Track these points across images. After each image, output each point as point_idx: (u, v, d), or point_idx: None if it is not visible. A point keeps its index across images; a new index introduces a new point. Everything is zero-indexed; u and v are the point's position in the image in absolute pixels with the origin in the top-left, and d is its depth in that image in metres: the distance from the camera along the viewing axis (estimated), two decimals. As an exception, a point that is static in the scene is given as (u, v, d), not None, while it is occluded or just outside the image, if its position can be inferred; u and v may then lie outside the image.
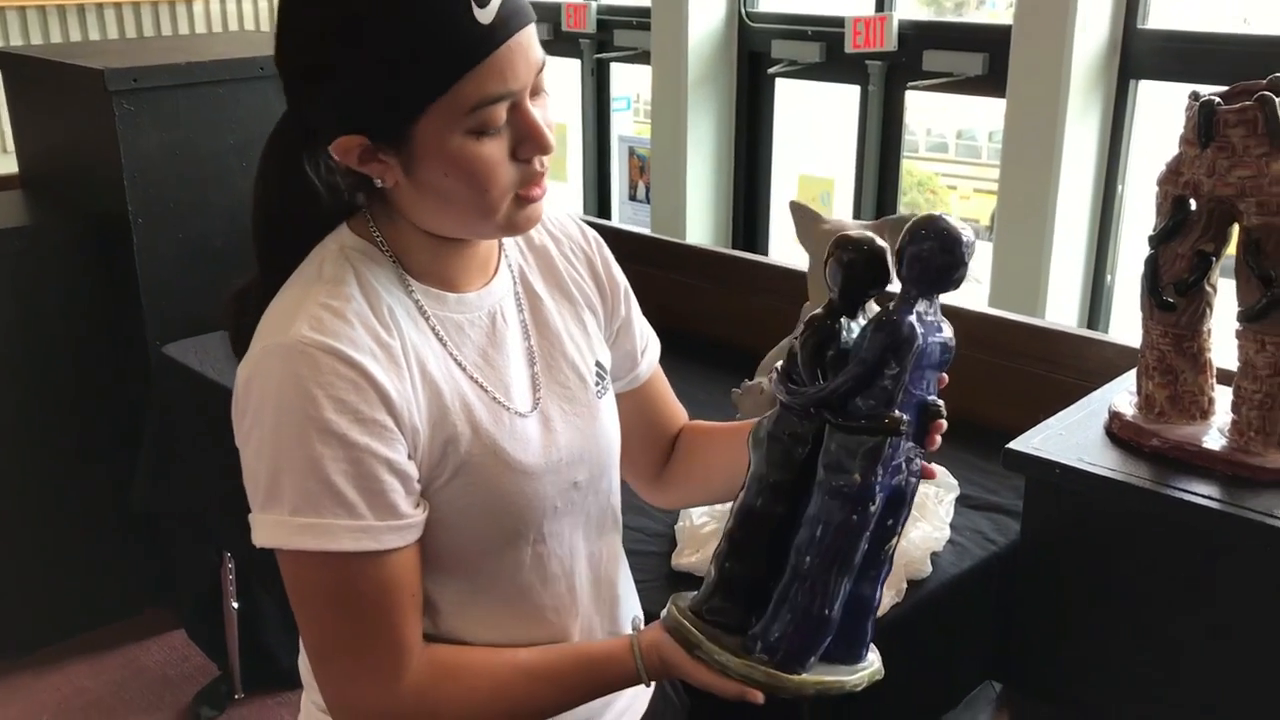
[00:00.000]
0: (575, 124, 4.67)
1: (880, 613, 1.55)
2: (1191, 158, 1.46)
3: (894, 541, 1.02)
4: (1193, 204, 1.48)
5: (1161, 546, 1.49)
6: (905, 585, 1.61)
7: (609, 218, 5.30)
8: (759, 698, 1.01)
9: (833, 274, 1.00)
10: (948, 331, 0.99)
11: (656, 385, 1.31)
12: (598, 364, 1.18)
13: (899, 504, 1.00)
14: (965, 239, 0.94)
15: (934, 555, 1.67)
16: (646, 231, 4.46)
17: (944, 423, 1.00)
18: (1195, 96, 1.45)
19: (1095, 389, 1.88)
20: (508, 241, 1.15)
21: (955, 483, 1.87)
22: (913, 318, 0.94)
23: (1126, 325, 3.49)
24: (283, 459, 0.95)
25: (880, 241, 0.99)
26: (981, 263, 3.56)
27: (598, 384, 1.17)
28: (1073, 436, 1.59)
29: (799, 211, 1.66)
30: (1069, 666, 1.61)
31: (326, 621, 1.00)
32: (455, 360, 1.05)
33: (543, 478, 1.09)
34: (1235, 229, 1.48)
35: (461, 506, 1.04)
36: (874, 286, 0.99)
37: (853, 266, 0.98)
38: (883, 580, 1.03)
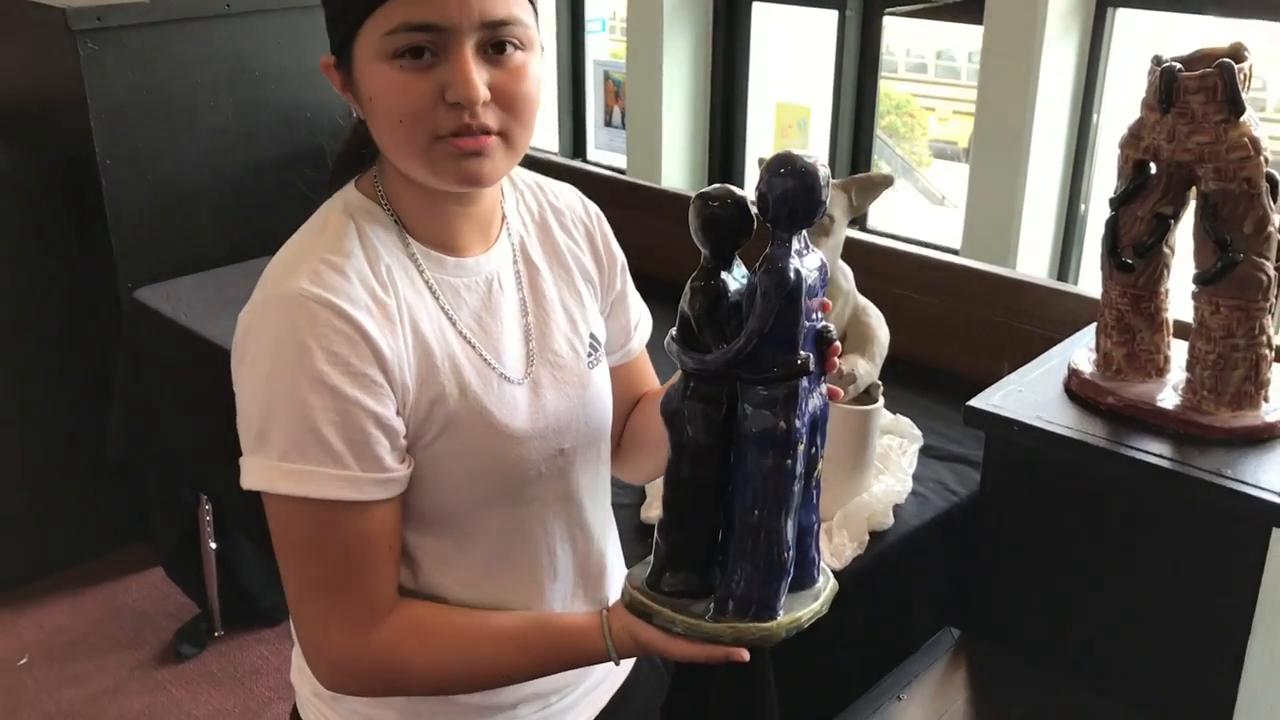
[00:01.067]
0: (550, 47, 4.63)
1: (842, 565, 1.61)
2: (1152, 122, 1.47)
3: (820, 465, 1.04)
4: (1153, 168, 1.50)
5: (1115, 501, 1.54)
6: (867, 537, 1.66)
7: (584, 143, 5.26)
8: (744, 655, 1.03)
9: (700, 231, 1.00)
10: (820, 257, 1.00)
11: (643, 361, 1.33)
12: (591, 336, 1.20)
13: (815, 431, 1.02)
14: (822, 173, 0.95)
15: (896, 507, 1.71)
16: (624, 175, 4.44)
17: (838, 344, 1.02)
18: (1157, 61, 1.46)
19: (1059, 338, 1.92)
20: (511, 212, 1.17)
21: (919, 434, 1.91)
22: (793, 260, 0.95)
23: (1099, 255, 3.52)
24: (275, 406, 0.98)
25: (738, 191, 1.00)
26: (958, 186, 3.58)
27: (590, 355, 1.19)
28: (1032, 393, 1.63)
29: (767, 170, 1.67)
30: (1025, 613, 1.66)
31: (305, 566, 1.03)
32: (449, 319, 1.07)
33: (528, 443, 1.11)
34: (1193, 193, 1.50)
35: (447, 465, 1.07)
36: (742, 236, 1.00)
37: (718, 220, 0.99)
38: (817, 502, 1.06)
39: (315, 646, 1.06)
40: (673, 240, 2.83)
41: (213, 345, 2.35)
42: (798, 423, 0.98)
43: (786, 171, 0.94)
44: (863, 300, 1.72)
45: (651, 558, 1.07)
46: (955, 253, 3.65)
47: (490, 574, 1.14)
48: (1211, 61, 1.43)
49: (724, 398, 1.01)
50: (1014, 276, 2.26)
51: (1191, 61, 1.46)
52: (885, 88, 4.27)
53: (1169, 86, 1.43)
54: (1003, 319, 2.18)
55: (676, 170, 4.47)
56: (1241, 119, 1.42)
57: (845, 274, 1.70)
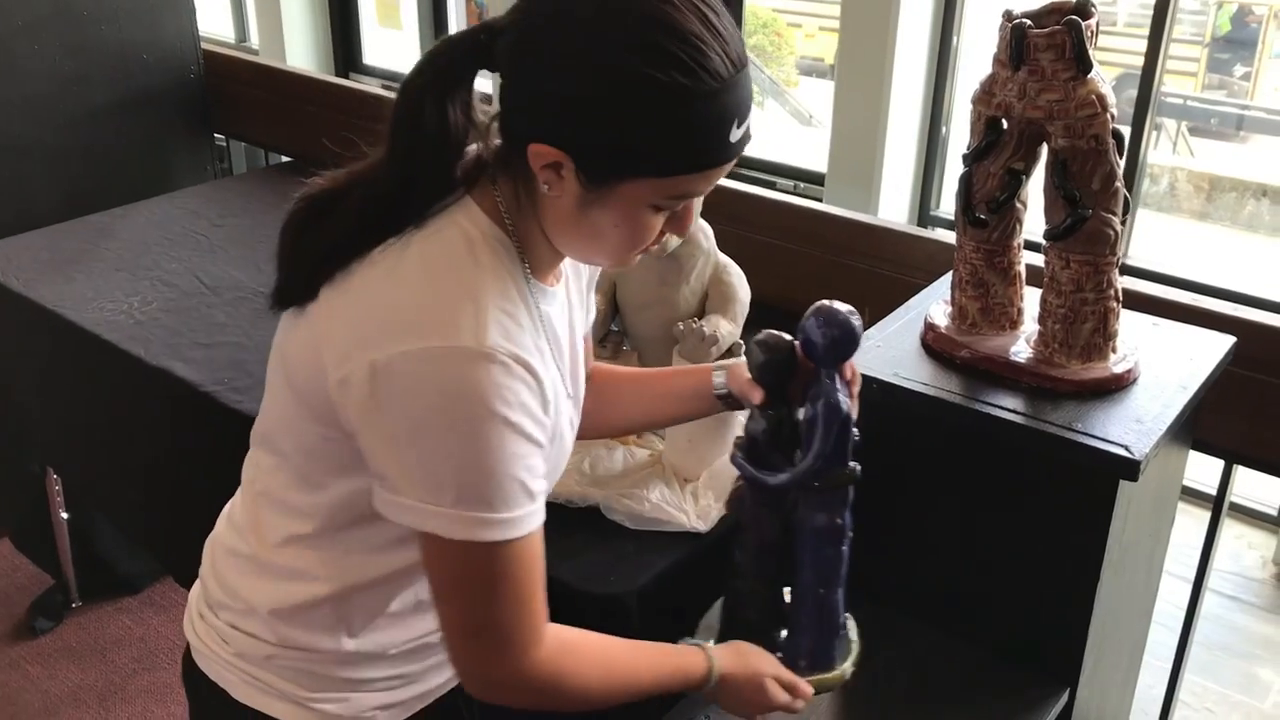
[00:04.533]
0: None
1: (709, 526, 1.61)
2: (1004, 79, 1.47)
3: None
4: (1005, 124, 1.50)
5: (971, 453, 1.56)
6: (733, 497, 1.66)
7: (447, 69, 5.13)
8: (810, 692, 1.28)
9: (761, 375, 1.25)
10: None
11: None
12: (585, 337, 1.31)
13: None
14: (858, 324, 1.22)
15: (760, 464, 1.72)
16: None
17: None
18: (1008, 17, 1.46)
19: (918, 282, 1.93)
20: None
21: (783, 386, 1.91)
22: (840, 393, 1.21)
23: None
24: (473, 460, 1.01)
25: (786, 338, 1.24)
26: (827, 105, 3.62)
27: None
28: (890, 348, 1.64)
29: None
30: (888, 562, 1.69)
31: (480, 602, 1.07)
32: (553, 354, 1.13)
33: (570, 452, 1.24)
34: (1044, 149, 1.51)
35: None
36: (791, 377, 1.25)
37: (775, 363, 1.24)
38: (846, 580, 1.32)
39: (482, 674, 1.12)
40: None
41: (47, 311, 2.23)
42: (848, 518, 1.25)
43: (831, 323, 1.20)
44: (724, 258, 1.70)
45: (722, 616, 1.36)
46: (822, 177, 3.68)
47: None
48: (1060, 17, 1.43)
49: (790, 502, 1.26)
50: (874, 223, 2.27)
51: (1040, 16, 1.46)
52: (751, 5, 4.23)
53: (1019, 44, 1.43)
54: (863, 265, 2.20)
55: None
56: (1089, 76, 1.42)
57: (705, 233, 1.68)
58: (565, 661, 1.13)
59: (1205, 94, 6.51)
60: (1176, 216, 6.14)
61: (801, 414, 1.23)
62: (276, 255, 1.11)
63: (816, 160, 3.74)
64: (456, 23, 5.09)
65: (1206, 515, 2.18)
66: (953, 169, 3.62)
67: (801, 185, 3.86)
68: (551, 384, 1.08)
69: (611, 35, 0.96)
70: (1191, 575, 2.16)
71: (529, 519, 1.06)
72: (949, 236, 2.20)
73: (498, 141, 1.07)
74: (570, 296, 1.22)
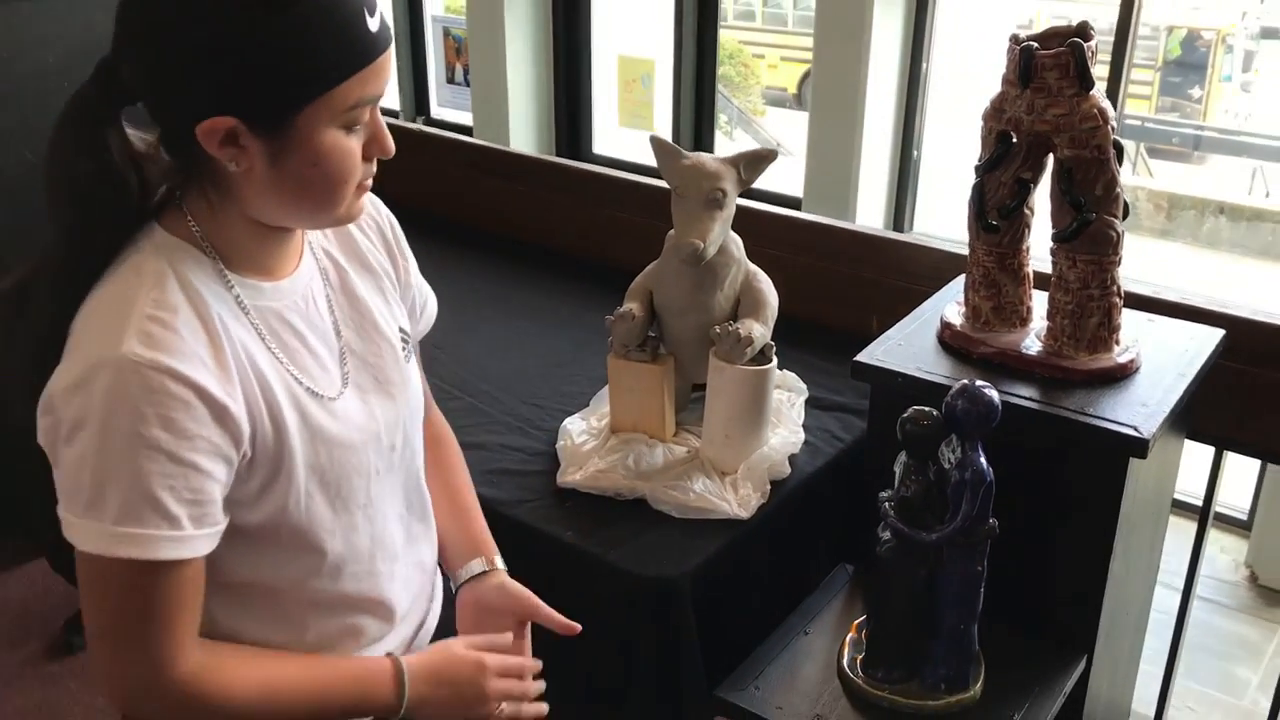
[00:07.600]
0: (386, 4, 4.57)
1: (750, 514, 1.73)
2: (1013, 97, 1.62)
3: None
4: (1014, 138, 1.64)
5: (994, 439, 1.68)
6: (769, 486, 1.78)
7: (427, 102, 5.23)
8: None
9: (915, 443, 1.44)
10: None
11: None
12: (401, 330, 1.25)
13: None
14: (997, 401, 1.40)
15: (792, 457, 1.84)
16: (470, 134, 4.39)
17: None
18: (1016, 40, 1.60)
19: (921, 290, 2.06)
20: None
21: (804, 387, 2.04)
22: (982, 459, 1.40)
23: (931, 199, 3.76)
24: (109, 472, 0.96)
25: (933, 414, 1.43)
26: (790, 133, 3.73)
27: (404, 348, 1.24)
28: (910, 346, 1.77)
29: (660, 147, 1.76)
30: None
31: (117, 615, 1.03)
32: (275, 355, 1.09)
33: (364, 449, 1.16)
34: (1050, 159, 1.65)
35: (296, 490, 1.10)
36: (939, 444, 1.43)
37: (926, 438, 1.44)
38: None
39: (111, 678, 1.06)
40: (521, 201, 2.89)
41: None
42: (985, 564, 1.45)
43: (975, 401, 1.39)
44: (753, 267, 1.83)
45: (864, 650, 1.57)
46: (798, 201, 3.82)
47: (342, 574, 1.18)
48: (1063, 40, 1.58)
49: (932, 551, 1.45)
50: (879, 234, 2.40)
51: (1045, 39, 1.61)
52: (719, 38, 4.36)
53: (1027, 64, 1.57)
54: (869, 274, 2.33)
55: (523, 126, 4.47)
56: (1091, 92, 1.57)
57: (737, 244, 1.81)
58: (211, 679, 1.07)
59: (1159, 115, 6.73)
60: (1138, 235, 6.33)
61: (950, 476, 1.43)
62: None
63: (789, 185, 3.84)
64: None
65: (1188, 525, 2.31)
66: (925, 191, 3.78)
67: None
68: (251, 385, 1.04)
69: None
70: (1175, 582, 2.29)
71: (167, 544, 0.99)
72: (946, 246, 2.34)
73: (170, 160, 1.03)
74: (344, 281, 1.18)
